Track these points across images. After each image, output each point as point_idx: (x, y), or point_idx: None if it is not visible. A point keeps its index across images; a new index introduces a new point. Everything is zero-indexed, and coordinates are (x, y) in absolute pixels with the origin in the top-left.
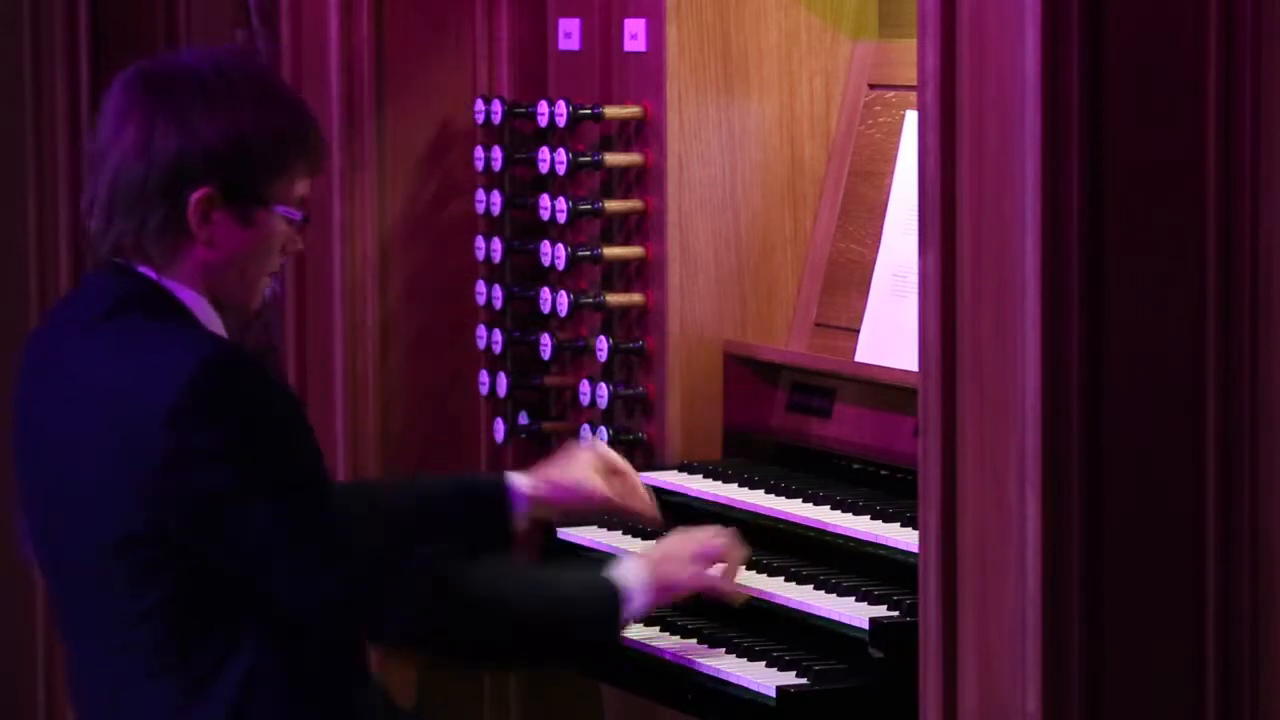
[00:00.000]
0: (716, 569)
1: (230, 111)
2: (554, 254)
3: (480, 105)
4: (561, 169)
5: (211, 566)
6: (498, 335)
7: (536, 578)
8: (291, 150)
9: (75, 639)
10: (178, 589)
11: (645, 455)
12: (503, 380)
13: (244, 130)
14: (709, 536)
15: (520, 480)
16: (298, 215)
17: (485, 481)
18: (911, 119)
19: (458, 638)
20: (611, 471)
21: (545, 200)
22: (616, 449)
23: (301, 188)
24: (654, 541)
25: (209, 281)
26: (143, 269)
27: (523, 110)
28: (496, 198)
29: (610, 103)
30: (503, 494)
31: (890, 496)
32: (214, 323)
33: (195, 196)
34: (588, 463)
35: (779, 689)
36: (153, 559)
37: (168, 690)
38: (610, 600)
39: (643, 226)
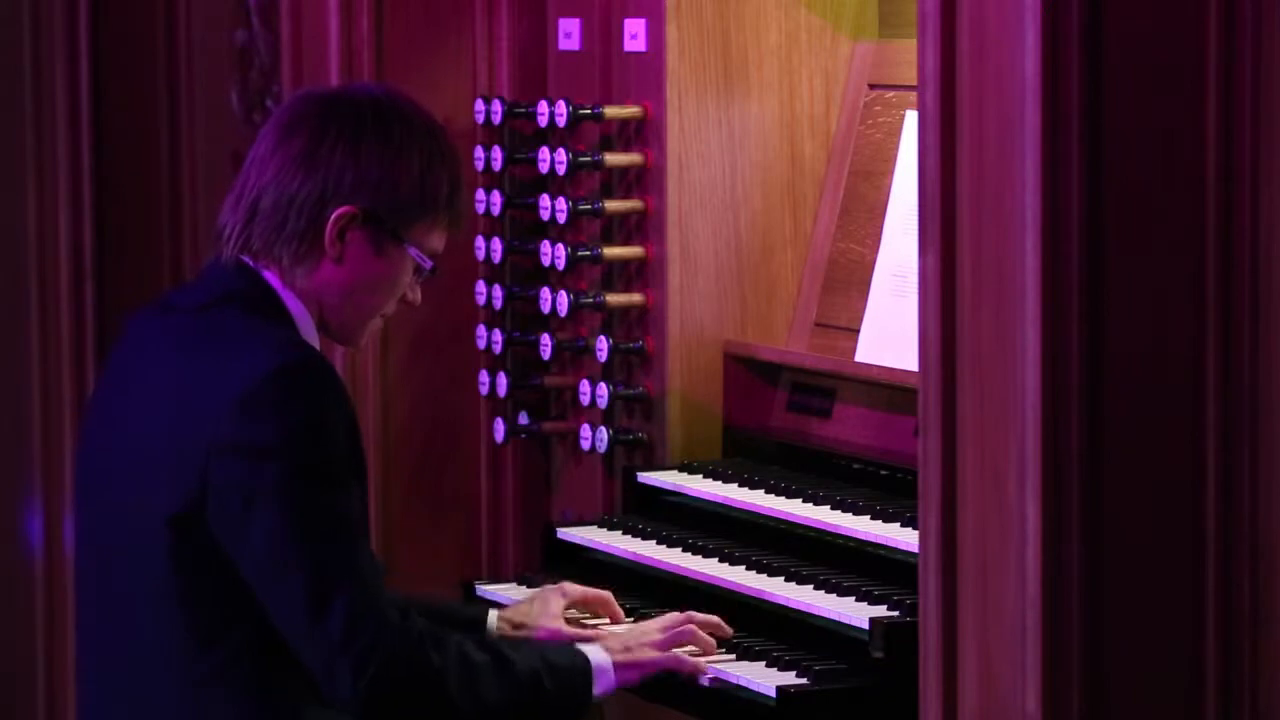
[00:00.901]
0: (686, 649)
1: (397, 146)
2: (554, 254)
3: (480, 105)
4: (561, 169)
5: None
6: (498, 335)
7: (507, 652)
8: (441, 200)
9: (97, 630)
10: (203, 586)
11: (645, 455)
12: (503, 380)
13: (404, 167)
14: (677, 620)
15: (496, 622)
16: (428, 263)
17: (465, 614)
18: (911, 119)
19: (430, 706)
20: (583, 601)
21: (545, 200)
22: (616, 449)
23: (438, 241)
24: (651, 542)
25: (324, 301)
26: (264, 272)
27: (523, 110)
28: (496, 198)
29: (610, 103)
30: (481, 630)
31: (890, 496)
32: (313, 338)
33: (338, 212)
34: (557, 610)
35: (779, 689)
36: (192, 545)
37: (171, 683)
38: (582, 675)
39: (643, 226)
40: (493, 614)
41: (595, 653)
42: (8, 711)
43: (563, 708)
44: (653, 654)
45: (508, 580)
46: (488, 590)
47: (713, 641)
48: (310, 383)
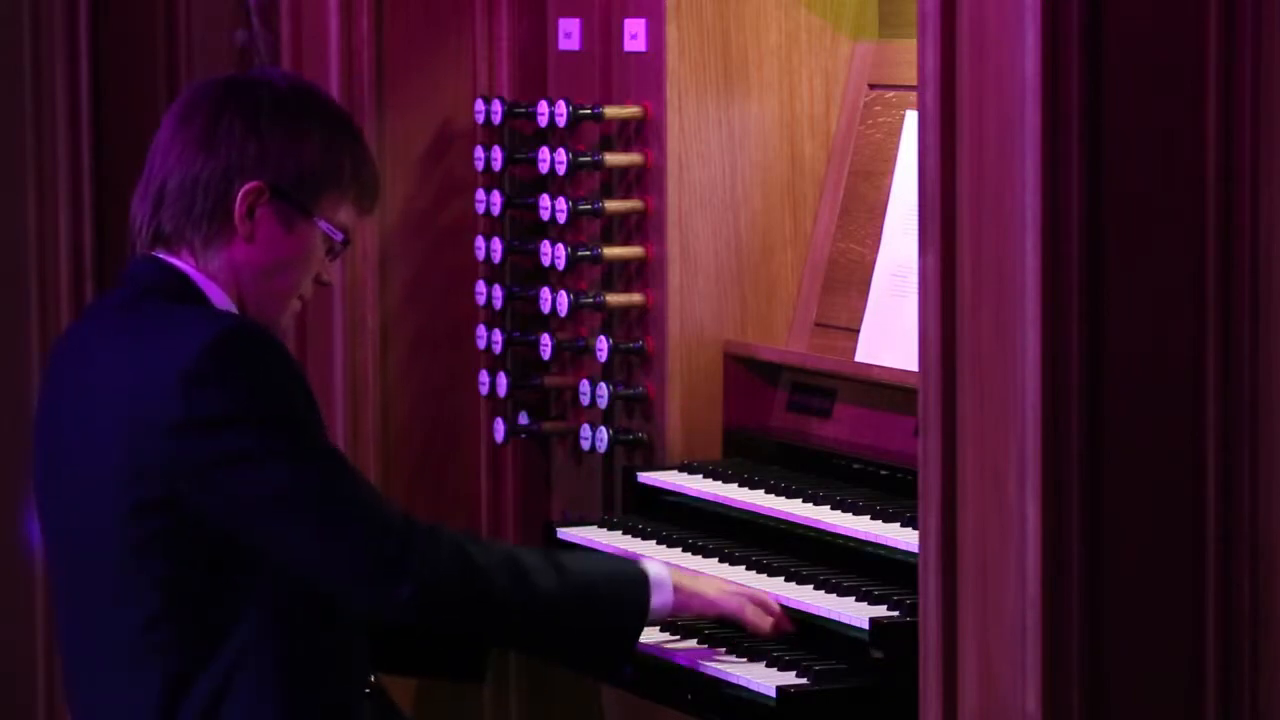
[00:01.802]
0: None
1: (297, 122)
2: (554, 254)
3: (480, 105)
4: (561, 169)
5: (220, 540)
6: (498, 335)
7: (563, 556)
8: (346, 172)
9: (73, 621)
10: (181, 566)
11: (645, 455)
12: (503, 380)
13: (305, 141)
14: (748, 590)
15: None
16: (338, 236)
17: None
18: (911, 119)
19: (479, 607)
20: None
21: (545, 200)
22: (616, 449)
23: (346, 214)
24: (651, 542)
25: (239, 283)
26: (176, 261)
27: (523, 110)
28: (496, 198)
29: (610, 103)
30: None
31: (890, 496)
32: None
33: (244, 188)
34: None
35: (779, 689)
36: (163, 527)
37: (157, 674)
38: (639, 584)
39: (643, 226)
40: None
41: (656, 568)
42: (8, 711)
43: (618, 613)
44: (719, 593)
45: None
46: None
47: (769, 621)
48: (248, 345)
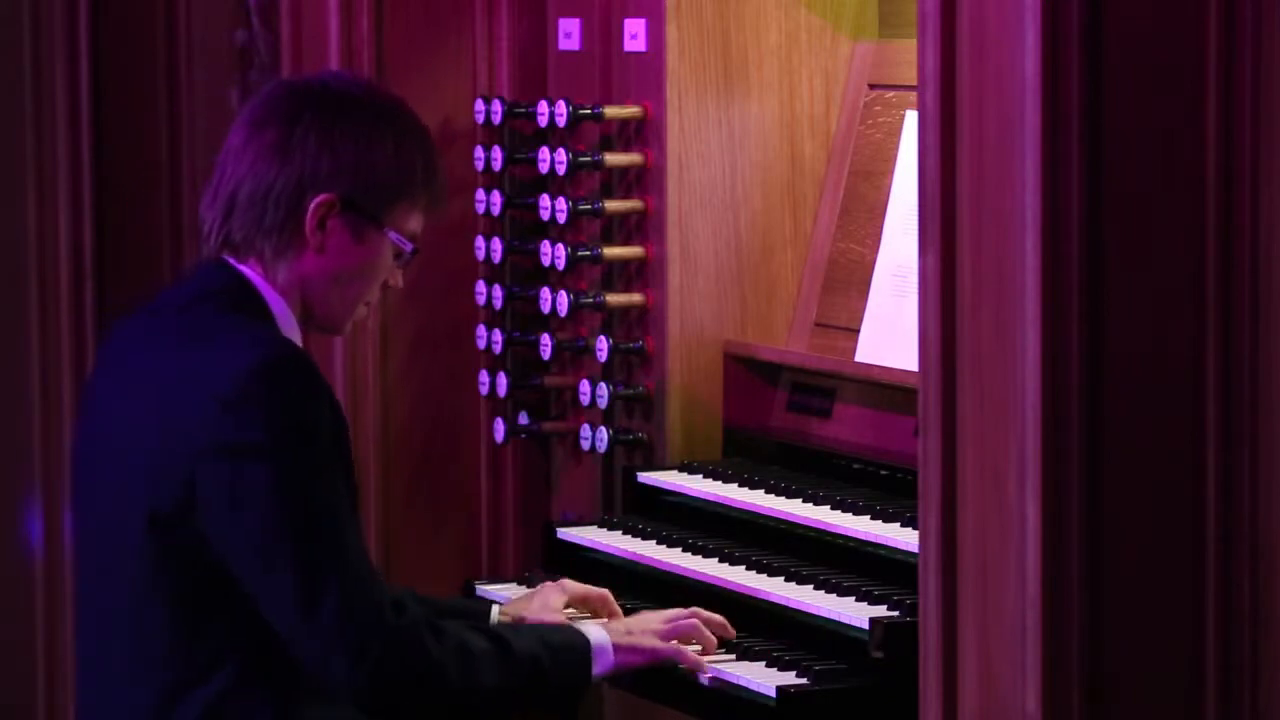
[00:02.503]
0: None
1: (370, 132)
2: (554, 254)
3: (480, 105)
4: (561, 169)
5: (218, 565)
6: (498, 335)
7: (506, 635)
8: (417, 182)
9: (86, 615)
10: (186, 583)
11: (645, 455)
12: (503, 380)
13: (378, 152)
14: (682, 614)
15: (498, 617)
16: (407, 246)
17: (472, 611)
18: (911, 119)
19: (425, 699)
20: (583, 599)
21: (545, 200)
22: (616, 449)
23: (416, 222)
24: (651, 542)
25: (307, 292)
26: (244, 268)
27: (523, 110)
28: (496, 198)
29: (610, 103)
30: (484, 624)
31: (890, 496)
32: (293, 332)
33: (316, 200)
34: (558, 605)
35: (779, 689)
36: (175, 544)
37: (156, 681)
38: (582, 653)
39: (643, 226)
40: (495, 609)
41: (595, 632)
42: (8, 711)
43: (562, 687)
44: (654, 642)
45: (508, 580)
46: (488, 590)
47: (714, 639)
48: (291, 378)
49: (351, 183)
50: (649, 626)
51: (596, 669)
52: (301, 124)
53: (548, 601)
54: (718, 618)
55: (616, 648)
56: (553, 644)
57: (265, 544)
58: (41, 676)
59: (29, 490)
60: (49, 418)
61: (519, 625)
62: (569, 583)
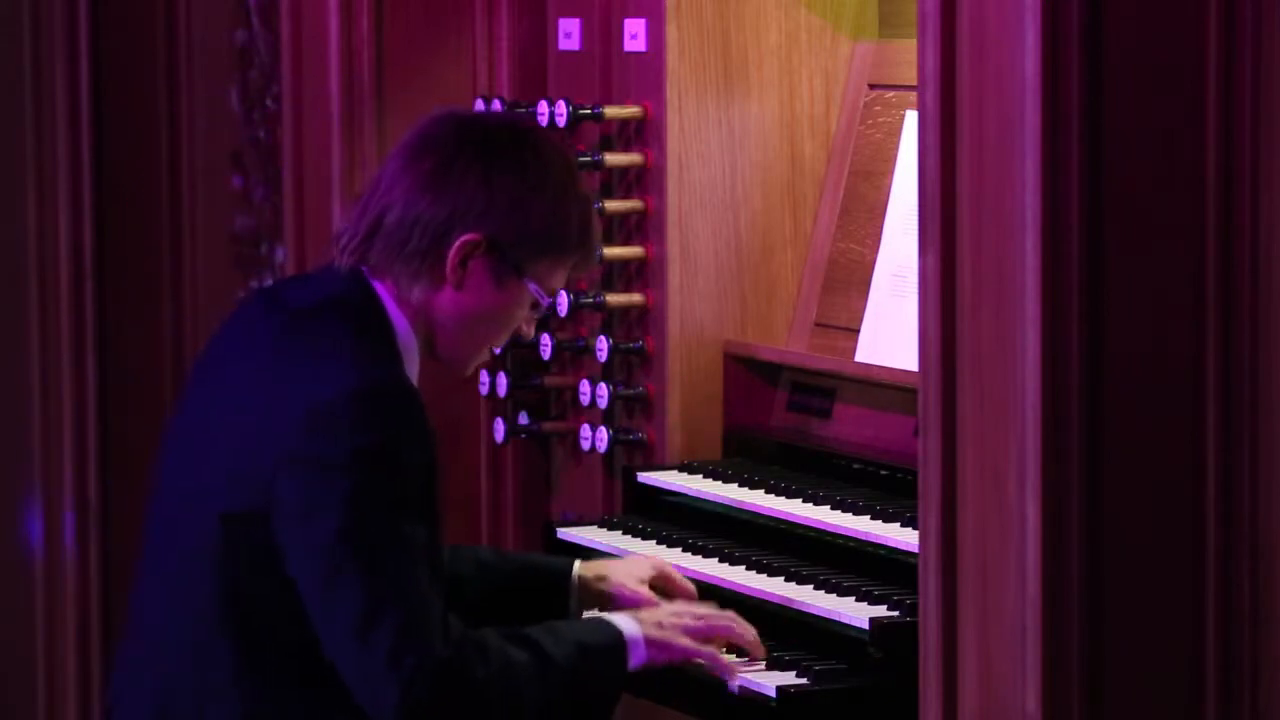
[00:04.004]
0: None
1: (531, 178)
2: None
3: (480, 105)
4: None
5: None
6: None
7: (547, 648)
8: (570, 240)
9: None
10: (250, 577)
11: (645, 455)
12: (503, 380)
13: (535, 201)
14: (720, 614)
15: (579, 572)
16: (545, 300)
17: (552, 567)
18: (911, 119)
19: (471, 717)
20: (666, 581)
21: None
22: (616, 449)
23: (560, 279)
24: (651, 542)
25: (436, 326)
26: (376, 283)
27: (523, 110)
28: None
29: (610, 103)
30: (566, 582)
31: (890, 496)
32: (412, 362)
33: (464, 238)
34: (644, 575)
35: (779, 689)
36: (240, 539)
37: (193, 664)
38: (619, 653)
39: (643, 226)
40: (577, 564)
41: (628, 625)
42: (8, 711)
43: (602, 688)
44: (688, 642)
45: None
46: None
47: (756, 641)
48: (389, 407)
49: (501, 227)
50: (681, 622)
51: (632, 663)
52: (463, 158)
53: (633, 570)
54: (752, 636)
55: (648, 641)
56: (590, 647)
57: (329, 561)
58: (41, 676)
59: (29, 490)
60: (49, 418)
61: (557, 626)
62: (662, 561)
